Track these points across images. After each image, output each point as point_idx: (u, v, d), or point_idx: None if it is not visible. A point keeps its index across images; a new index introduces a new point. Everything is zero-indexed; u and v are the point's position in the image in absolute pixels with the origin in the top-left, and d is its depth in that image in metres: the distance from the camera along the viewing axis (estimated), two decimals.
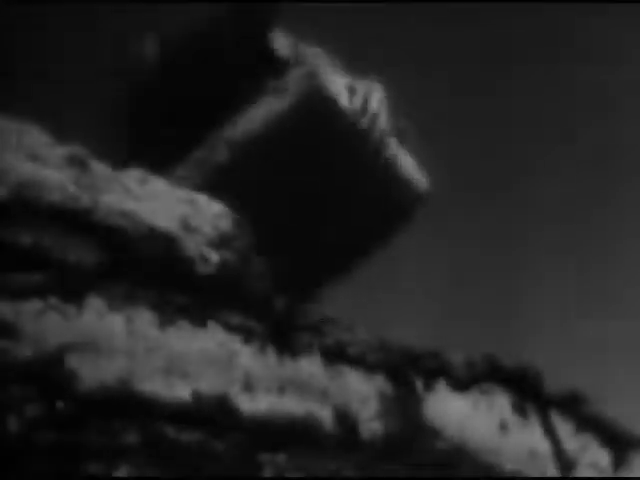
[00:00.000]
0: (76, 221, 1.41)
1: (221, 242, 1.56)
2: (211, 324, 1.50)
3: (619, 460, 2.20)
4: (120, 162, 1.63)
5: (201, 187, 2.29)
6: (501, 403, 1.94)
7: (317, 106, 2.80)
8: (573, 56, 8.24)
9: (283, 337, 1.57)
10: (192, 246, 1.52)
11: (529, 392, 2.02)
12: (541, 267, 8.20)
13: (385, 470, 1.63)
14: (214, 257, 1.54)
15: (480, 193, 8.16)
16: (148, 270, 1.47)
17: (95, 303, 1.41)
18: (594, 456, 2.14)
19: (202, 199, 1.65)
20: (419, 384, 1.77)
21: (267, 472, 1.49)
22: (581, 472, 2.07)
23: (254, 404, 1.51)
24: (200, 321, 1.49)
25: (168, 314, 1.46)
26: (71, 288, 1.39)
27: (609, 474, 2.15)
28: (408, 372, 1.76)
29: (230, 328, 1.52)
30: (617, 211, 8.40)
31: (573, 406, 2.16)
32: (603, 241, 8.46)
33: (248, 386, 1.51)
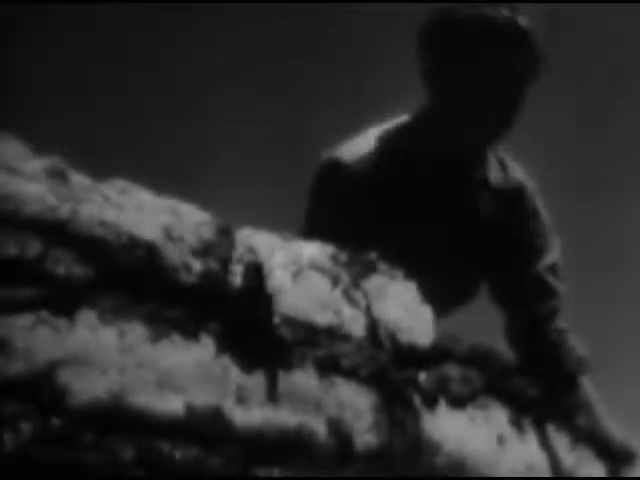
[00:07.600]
0: (57, 232, 1.40)
1: (204, 250, 1.56)
2: (203, 337, 1.50)
3: (615, 473, 2.20)
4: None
5: None
6: (498, 417, 1.93)
7: None
8: None
9: (276, 349, 1.57)
10: (175, 255, 1.51)
11: (525, 405, 2.02)
12: None
13: None
14: (197, 266, 1.53)
15: None
16: (134, 281, 1.46)
17: (87, 317, 1.41)
18: (590, 469, 2.13)
19: (184, 208, 1.65)
20: (416, 397, 1.76)
21: None
22: None
23: (248, 417, 1.50)
24: (192, 334, 1.49)
25: (160, 327, 1.46)
26: (62, 302, 1.38)
27: None
28: (404, 385, 1.75)
29: (222, 340, 1.52)
30: None
31: (568, 419, 2.15)
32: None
33: (242, 399, 1.51)
